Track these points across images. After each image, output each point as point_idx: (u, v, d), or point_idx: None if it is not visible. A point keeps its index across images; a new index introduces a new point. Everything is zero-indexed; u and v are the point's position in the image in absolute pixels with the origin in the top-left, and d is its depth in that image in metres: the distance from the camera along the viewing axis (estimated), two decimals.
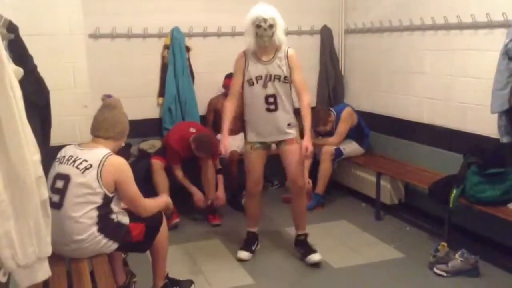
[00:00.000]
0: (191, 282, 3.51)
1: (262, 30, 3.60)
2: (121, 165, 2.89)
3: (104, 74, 4.95)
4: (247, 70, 3.76)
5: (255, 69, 3.75)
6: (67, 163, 2.85)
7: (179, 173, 4.67)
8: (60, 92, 3.61)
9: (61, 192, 2.79)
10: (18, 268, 1.88)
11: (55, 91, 3.04)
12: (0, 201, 1.77)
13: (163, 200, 3.26)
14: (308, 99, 3.78)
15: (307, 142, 3.69)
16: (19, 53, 2.67)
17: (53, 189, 2.81)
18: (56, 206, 2.74)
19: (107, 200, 2.83)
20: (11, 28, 2.64)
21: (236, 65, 3.81)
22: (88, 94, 3.95)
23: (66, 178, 2.81)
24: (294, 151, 3.85)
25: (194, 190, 4.72)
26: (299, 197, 4.00)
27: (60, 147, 2.96)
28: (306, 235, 4.08)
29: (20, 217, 1.86)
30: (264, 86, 3.73)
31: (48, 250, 1.98)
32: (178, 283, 3.40)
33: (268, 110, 3.76)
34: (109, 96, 3.17)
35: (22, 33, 2.76)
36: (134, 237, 2.94)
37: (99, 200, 2.79)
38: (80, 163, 2.81)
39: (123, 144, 3.17)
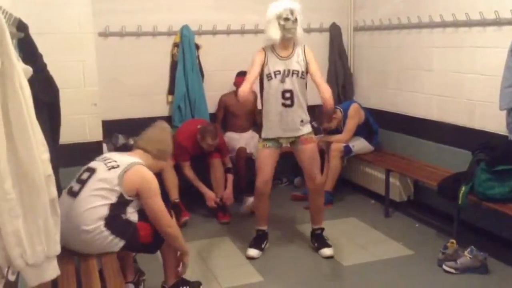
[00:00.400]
0: (199, 283, 3.49)
1: (290, 23, 3.64)
2: (147, 176, 2.91)
3: (114, 72, 4.95)
4: (266, 65, 3.76)
5: (274, 64, 3.76)
6: (100, 160, 2.98)
7: (188, 171, 4.67)
8: (70, 90, 3.61)
9: (83, 183, 2.87)
10: (26, 267, 1.86)
11: (64, 89, 3.03)
12: (9, 200, 1.76)
13: (187, 248, 3.19)
14: (328, 88, 3.69)
15: (326, 91, 3.59)
16: (29, 51, 2.66)
17: (78, 179, 2.91)
18: (74, 194, 2.83)
19: (122, 201, 2.84)
20: (21, 26, 2.62)
21: (256, 58, 3.78)
22: (98, 92, 3.93)
23: (92, 171, 2.90)
24: (310, 150, 3.89)
25: (204, 189, 4.71)
26: (317, 195, 4.04)
27: (70, 145, 2.97)
28: (322, 229, 4.13)
29: (29, 215, 1.85)
30: (282, 80, 3.74)
31: (57, 249, 1.97)
32: (188, 283, 3.37)
33: (284, 105, 3.77)
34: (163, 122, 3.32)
35: (32, 31, 2.75)
36: (141, 238, 2.92)
37: (113, 198, 2.82)
38: (110, 162, 2.92)
39: (162, 167, 3.30)
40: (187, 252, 3.19)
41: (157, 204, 2.91)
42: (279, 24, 3.65)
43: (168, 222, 2.96)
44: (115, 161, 2.91)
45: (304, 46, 3.83)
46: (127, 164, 2.89)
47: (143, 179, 2.88)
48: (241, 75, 4.50)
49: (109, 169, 2.87)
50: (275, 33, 3.68)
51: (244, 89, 3.60)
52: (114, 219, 2.82)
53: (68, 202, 2.83)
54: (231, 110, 5.29)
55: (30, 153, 1.81)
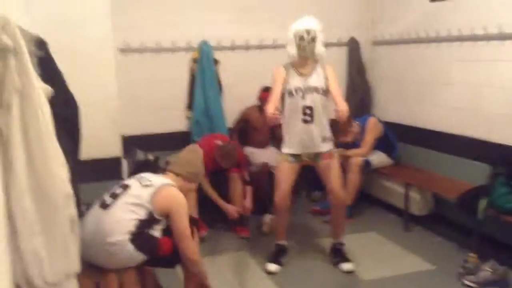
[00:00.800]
0: None
1: (305, 43, 3.68)
2: (179, 198, 2.97)
3: (134, 88, 4.99)
4: (287, 82, 3.78)
5: (294, 81, 3.78)
6: (135, 179, 3.05)
7: (207, 187, 4.65)
8: (90, 106, 3.61)
9: (116, 197, 2.93)
10: (45, 286, 1.86)
11: (85, 106, 3.03)
12: (28, 217, 1.76)
13: (205, 273, 3.20)
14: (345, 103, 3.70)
15: (340, 104, 3.59)
16: (49, 70, 2.67)
17: (111, 194, 2.97)
18: (105, 207, 2.89)
19: (151, 218, 2.87)
20: (41, 45, 2.64)
21: (276, 75, 3.83)
22: (117, 108, 3.96)
23: (126, 187, 2.97)
24: (332, 166, 3.87)
25: (224, 205, 4.68)
26: (339, 210, 4.02)
27: (89, 162, 2.98)
28: (342, 244, 4.11)
29: (48, 233, 1.85)
30: (303, 97, 3.75)
31: (76, 267, 1.97)
32: None
33: (305, 121, 3.77)
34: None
35: (52, 49, 2.77)
36: (162, 251, 2.92)
37: (143, 214, 2.85)
38: (144, 181, 2.99)
39: (192, 188, 3.35)
40: (207, 277, 3.21)
41: (183, 228, 2.94)
42: (295, 42, 3.70)
43: (191, 248, 2.97)
44: (150, 181, 2.99)
45: (325, 65, 3.85)
46: (160, 184, 2.96)
47: (174, 200, 2.94)
48: (266, 90, 4.50)
49: (143, 186, 2.95)
50: (292, 51, 3.75)
51: (270, 110, 3.60)
52: (140, 234, 2.84)
53: (99, 214, 2.89)
54: (252, 124, 5.28)
55: (49, 172, 1.82)
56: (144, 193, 2.90)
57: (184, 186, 3.15)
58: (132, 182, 3.04)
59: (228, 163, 4.60)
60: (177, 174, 3.17)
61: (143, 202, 2.87)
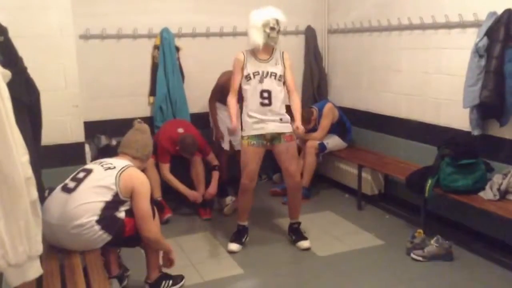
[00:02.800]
0: (182, 277, 3.47)
1: (275, 33, 3.70)
2: (142, 178, 2.97)
3: (95, 74, 4.87)
4: (245, 68, 3.80)
5: (253, 66, 3.80)
6: (95, 163, 3.04)
7: (167, 173, 4.60)
8: (51, 92, 3.54)
9: (79, 181, 2.90)
10: (9, 267, 1.83)
11: (46, 91, 2.96)
12: None
13: (169, 246, 3.21)
14: (298, 97, 3.93)
15: (298, 122, 3.76)
16: (8, 55, 2.59)
17: (73, 178, 2.96)
18: (69, 191, 2.86)
19: (117, 200, 2.86)
20: (0, 30, 2.56)
21: (236, 63, 3.85)
22: (79, 94, 3.87)
23: (88, 171, 2.95)
24: (289, 148, 3.90)
25: (186, 191, 4.64)
26: (295, 191, 4.06)
27: (51, 147, 2.92)
28: (299, 223, 4.17)
29: (10, 217, 1.81)
30: (261, 81, 3.78)
31: (39, 249, 1.93)
32: (170, 277, 3.36)
33: (262, 104, 3.79)
34: (140, 122, 3.34)
35: (12, 34, 2.68)
36: (127, 232, 2.91)
37: (109, 196, 2.84)
38: (106, 164, 2.98)
39: (145, 165, 3.36)
40: (171, 250, 3.21)
41: (145, 209, 2.93)
42: (264, 31, 3.68)
43: (149, 227, 2.95)
44: (111, 163, 2.98)
45: (283, 52, 3.87)
46: (122, 165, 2.95)
47: (137, 181, 2.93)
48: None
49: (105, 169, 2.93)
50: (258, 39, 3.71)
51: (230, 99, 3.82)
52: (106, 216, 2.82)
53: (62, 198, 2.85)
54: (228, 89, 5.15)
55: (9, 156, 1.77)
56: (108, 175, 2.88)
57: (140, 167, 3.16)
58: (94, 166, 3.01)
59: (189, 154, 4.58)
60: (134, 158, 3.15)
61: (108, 184, 2.85)
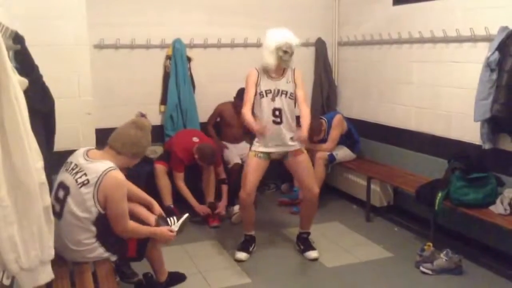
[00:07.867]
0: (184, 276, 3.55)
1: (288, 56, 3.71)
2: (117, 183, 2.72)
3: (108, 83, 4.92)
4: (258, 85, 3.81)
5: (265, 84, 3.81)
6: (71, 173, 2.77)
7: (180, 183, 4.61)
8: (65, 100, 3.56)
9: (61, 203, 2.78)
10: (21, 271, 1.85)
11: (60, 99, 2.99)
12: (4, 207, 1.74)
13: (150, 230, 3.02)
14: (307, 109, 3.85)
15: (302, 132, 3.67)
16: (25, 63, 2.64)
17: (56, 197, 2.79)
18: (57, 215, 2.72)
19: (101, 215, 2.76)
20: (17, 39, 2.60)
21: (250, 79, 3.85)
22: (92, 102, 3.91)
23: (66, 189, 2.76)
24: (303, 161, 3.91)
25: (195, 204, 4.65)
26: (311, 204, 4.03)
27: (63, 153, 2.92)
28: (308, 233, 4.15)
29: (23, 222, 1.83)
30: (273, 99, 3.79)
31: (51, 254, 1.95)
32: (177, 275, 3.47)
33: (274, 122, 3.81)
34: (143, 115, 3.07)
35: (28, 43, 2.72)
36: (129, 252, 2.93)
37: (93, 216, 2.72)
38: (80, 177, 2.72)
39: (133, 163, 2.98)
40: (156, 231, 3.02)
41: (120, 209, 2.76)
42: (277, 54, 3.68)
43: (125, 226, 2.82)
44: (84, 174, 2.71)
45: (294, 69, 3.88)
46: (97, 177, 2.68)
47: (111, 187, 2.70)
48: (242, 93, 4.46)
49: (80, 187, 2.70)
50: (271, 61, 3.71)
51: (245, 111, 3.73)
52: (105, 232, 2.80)
53: (55, 222, 2.70)
54: (226, 120, 5.25)
55: (24, 162, 1.79)
56: (86, 197, 2.69)
57: (126, 164, 2.90)
58: (67, 179, 2.76)
59: (206, 163, 4.59)
60: (119, 153, 2.84)
61: (89, 206, 2.71)
